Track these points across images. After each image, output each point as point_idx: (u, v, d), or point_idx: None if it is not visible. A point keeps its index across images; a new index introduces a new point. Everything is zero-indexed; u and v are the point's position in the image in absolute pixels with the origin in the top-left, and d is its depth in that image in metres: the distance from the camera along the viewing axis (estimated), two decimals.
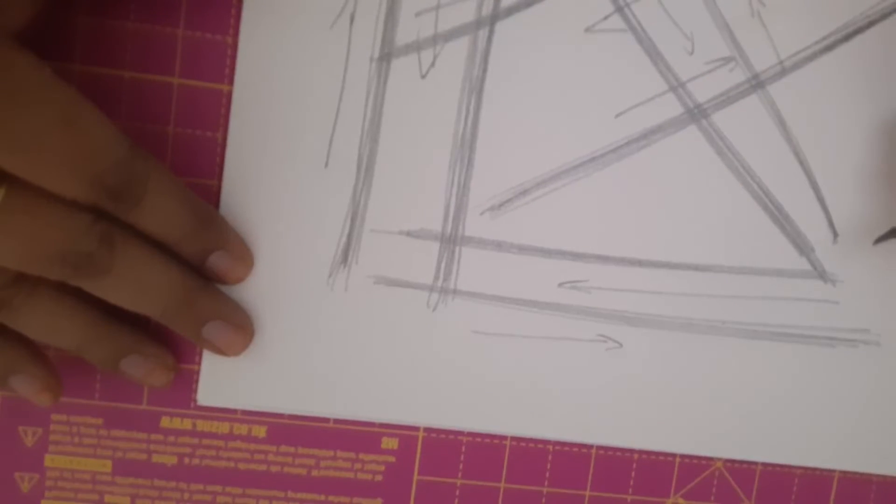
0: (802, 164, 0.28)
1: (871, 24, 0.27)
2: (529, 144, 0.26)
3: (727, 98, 0.27)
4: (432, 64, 0.26)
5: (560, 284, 0.27)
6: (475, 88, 0.26)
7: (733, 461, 0.29)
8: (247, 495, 0.27)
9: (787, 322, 0.28)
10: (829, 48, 0.27)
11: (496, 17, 0.26)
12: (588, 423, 0.28)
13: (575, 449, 0.28)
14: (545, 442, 0.28)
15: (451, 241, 0.27)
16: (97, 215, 0.22)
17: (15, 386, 0.24)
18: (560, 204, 0.27)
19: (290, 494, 0.28)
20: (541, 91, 0.26)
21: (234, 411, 0.27)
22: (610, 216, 0.27)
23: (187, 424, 0.27)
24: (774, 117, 0.27)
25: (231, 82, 0.25)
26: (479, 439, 0.28)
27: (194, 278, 0.24)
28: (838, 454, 0.29)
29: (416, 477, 0.28)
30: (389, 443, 0.28)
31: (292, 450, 0.27)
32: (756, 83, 0.27)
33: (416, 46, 0.26)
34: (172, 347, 0.26)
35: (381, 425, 0.28)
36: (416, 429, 0.28)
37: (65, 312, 0.23)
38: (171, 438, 0.27)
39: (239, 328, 0.26)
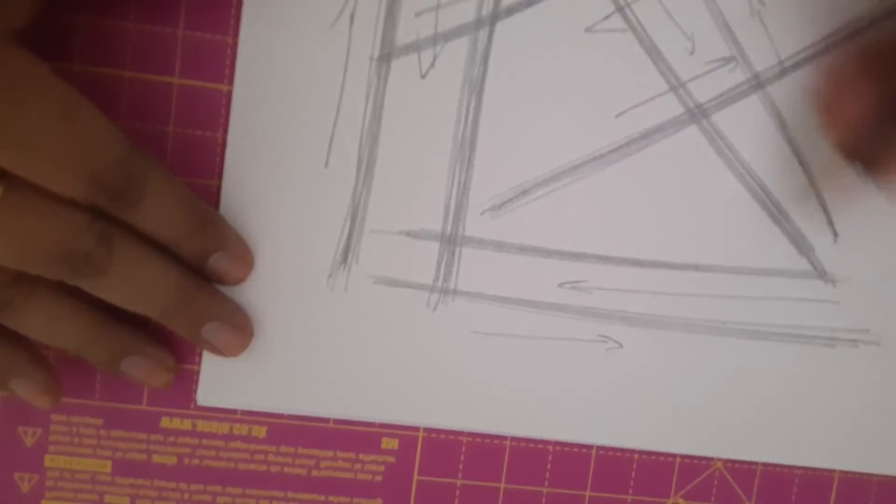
0: (802, 164, 0.28)
1: (871, 24, 0.27)
2: (529, 144, 0.26)
3: (727, 98, 0.27)
4: (432, 64, 0.26)
5: (560, 285, 0.27)
6: (475, 88, 0.26)
7: (733, 461, 0.29)
8: (247, 495, 0.27)
9: (788, 322, 0.28)
10: (829, 48, 0.27)
11: (496, 17, 0.26)
12: (588, 423, 0.28)
13: (575, 449, 0.28)
14: (545, 442, 0.28)
15: (451, 241, 0.27)
16: (95, 214, 0.22)
17: (15, 388, 0.24)
18: (560, 204, 0.27)
19: (290, 495, 0.28)
20: (541, 91, 0.26)
21: (234, 411, 0.27)
22: (610, 216, 0.27)
23: (187, 425, 0.27)
24: (774, 117, 0.27)
25: (231, 82, 0.25)
26: (479, 439, 0.28)
27: (193, 278, 0.24)
28: (838, 454, 0.29)
29: (416, 477, 0.28)
30: (389, 443, 0.28)
31: (292, 450, 0.27)
32: (756, 83, 0.27)
33: (416, 46, 0.26)
34: (173, 348, 0.26)
35: (381, 425, 0.28)
36: (416, 429, 0.28)
37: (64, 313, 0.23)
38: (171, 439, 0.27)
39: (238, 329, 0.26)
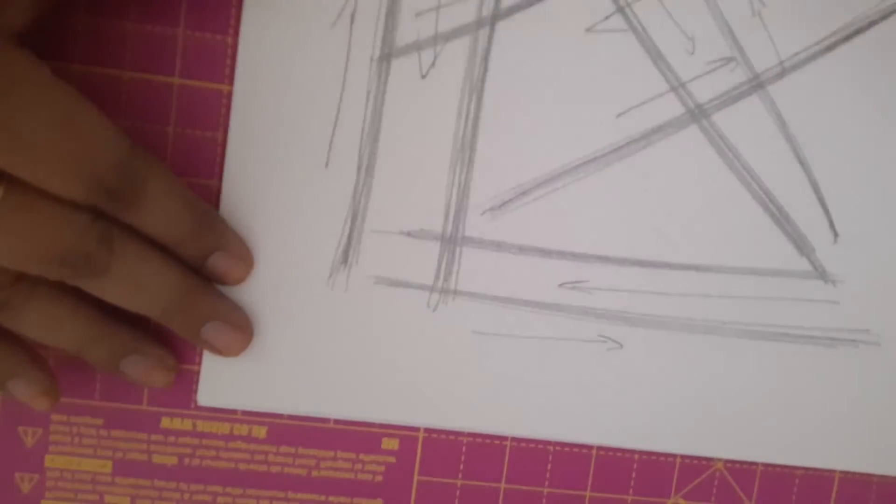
0: (802, 164, 0.28)
1: (871, 24, 0.27)
2: (529, 144, 0.26)
3: (728, 98, 0.27)
4: (432, 64, 0.26)
5: (560, 285, 0.27)
6: (475, 88, 0.26)
7: (734, 461, 0.29)
8: (247, 496, 0.27)
9: (788, 322, 0.28)
10: (829, 48, 0.27)
11: (497, 17, 0.26)
12: (588, 423, 0.28)
13: (575, 449, 0.28)
14: (545, 442, 0.28)
15: (451, 241, 0.27)
16: (96, 215, 0.22)
17: (13, 390, 0.24)
18: (560, 204, 0.27)
19: (291, 495, 0.28)
20: (541, 91, 0.26)
21: (235, 411, 0.27)
22: (610, 216, 0.27)
23: (187, 425, 0.27)
24: (775, 117, 0.27)
25: (231, 82, 0.25)
26: (479, 439, 0.28)
27: (193, 278, 0.24)
28: (838, 454, 0.29)
29: (416, 477, 0.28)
30: (389, 443, 0.28)
31: (292, 450, 0.27)
32: (756, 83, 0.27)
33: (416, 46, 0.26)
34: (173, 347, 0.26)
35: (382, 426, 0.28)
36: (417, 429, 0.28)
37: (64, 313, 0.23)
38: (172, 439, 0.27)
39: (238, 329, 0.26)
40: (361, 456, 0.28)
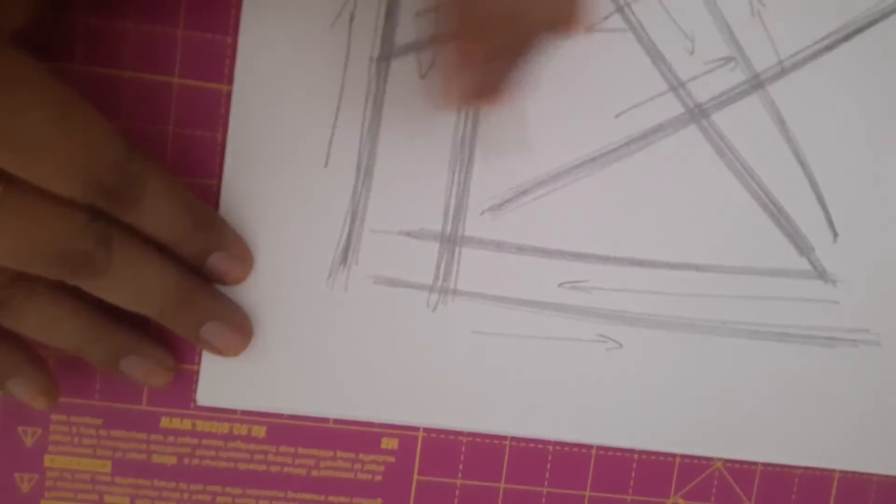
0: (802, 163, 0.28)
1: (871, 23, 0.27)
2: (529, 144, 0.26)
3: (727, 98, 0.27)
4: (432, 64, 0.26)
5: (560, 284, 0.27)
6: None
7: (733, 461, 0.29)
8: (246, 495, 0.27)
9: (787, 322, 0.28)
10: (829, 48, 0.27)
11: None
12: (588, 423, 0.28)
13: (575, 449, 0.28)
14: (545, 442, 0.28)
15: (451, 241, 0.27)
16: (94, 215, 0.22)
17: (12, 389, 0.24)
18: (560, 204, 0.27)
19: (290, 495, 0.28)
20: (541, 91, 0.26)
21: (234, 411, 0.27)
22: (610, 216, 0.27)
23: (187, 425, 0.27)
24: (774, 117, 0.27)
25: (231, 82, 0.25)
26: (479, 439, 0.28)
27: (192, 278, 0.24)
28: (838, 454, 0.29)
29: (415, 477, 0.28)
30: (389, 443, 0.28)
31: (292, 450, 0.27)
32: (756, 83, 0.27)
33: (415, 46, 0.26)
34: (172, 347, 0.26)
35: (381, 425, 0.28)
36: (416, 429, 0.28)
37: (64, 312, 0.23)
38: (171, 438, 0.27)
39: (237, 329, 0.26)
40: (361, 456, 0.28)
